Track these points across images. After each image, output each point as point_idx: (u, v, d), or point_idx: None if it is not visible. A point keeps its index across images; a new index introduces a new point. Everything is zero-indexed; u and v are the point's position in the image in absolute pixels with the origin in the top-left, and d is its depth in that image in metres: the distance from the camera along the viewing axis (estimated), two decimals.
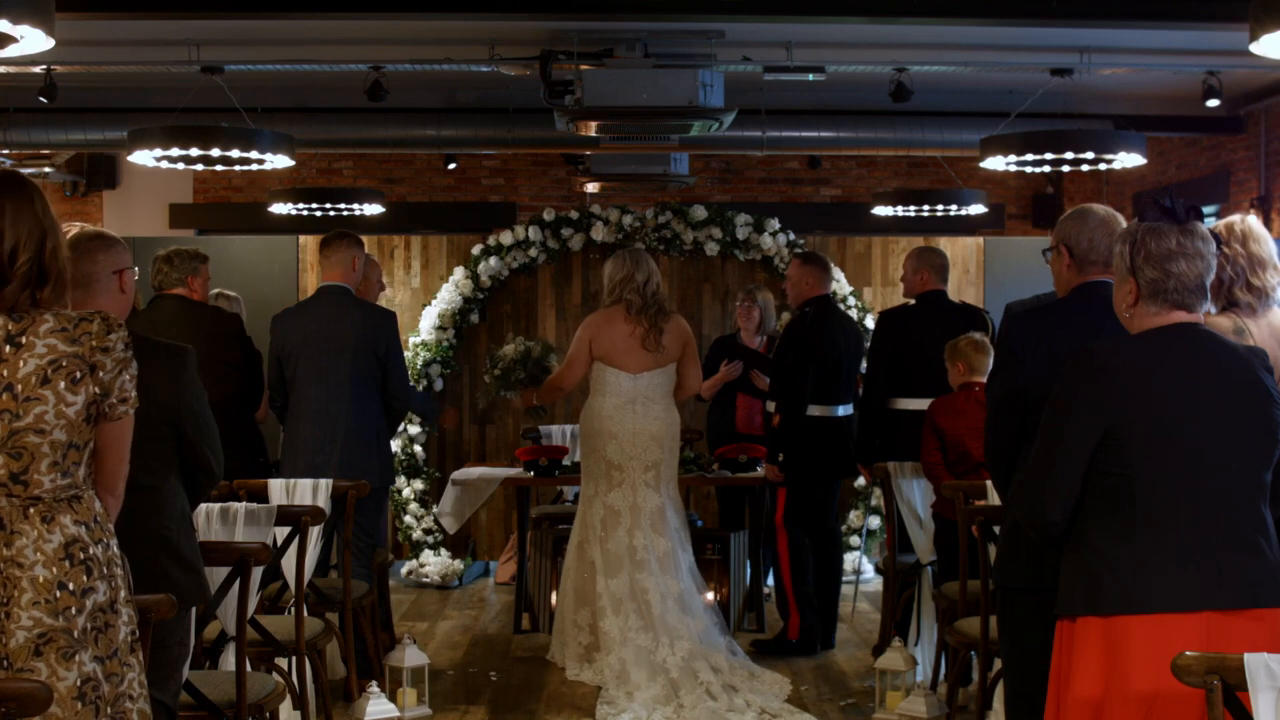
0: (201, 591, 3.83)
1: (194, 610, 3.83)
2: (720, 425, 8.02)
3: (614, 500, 6.48)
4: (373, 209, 9.80)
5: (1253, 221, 3.86)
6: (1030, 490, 3.04)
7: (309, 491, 5.37)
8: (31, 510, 2.78)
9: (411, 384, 7.09)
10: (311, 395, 6.13)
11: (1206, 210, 9.58)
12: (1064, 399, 2.99)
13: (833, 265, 9.03)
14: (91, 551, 2.81)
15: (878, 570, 7.98)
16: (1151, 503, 2.90)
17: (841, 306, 8.95)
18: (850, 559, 8.87)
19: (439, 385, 8.93)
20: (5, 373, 2.76)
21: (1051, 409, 3.03)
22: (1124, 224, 3.73)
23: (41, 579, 2.74)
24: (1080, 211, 3.75)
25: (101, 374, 2.82)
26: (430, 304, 9.01)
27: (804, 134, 9.28)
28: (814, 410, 6.80)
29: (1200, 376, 2.95)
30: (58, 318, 2.81)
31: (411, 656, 5.71)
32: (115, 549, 2.90)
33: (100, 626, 2.79)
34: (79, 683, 2.72)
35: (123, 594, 2.88)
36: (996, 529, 4.84)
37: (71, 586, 2.76)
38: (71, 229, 4.19)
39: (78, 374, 2.79)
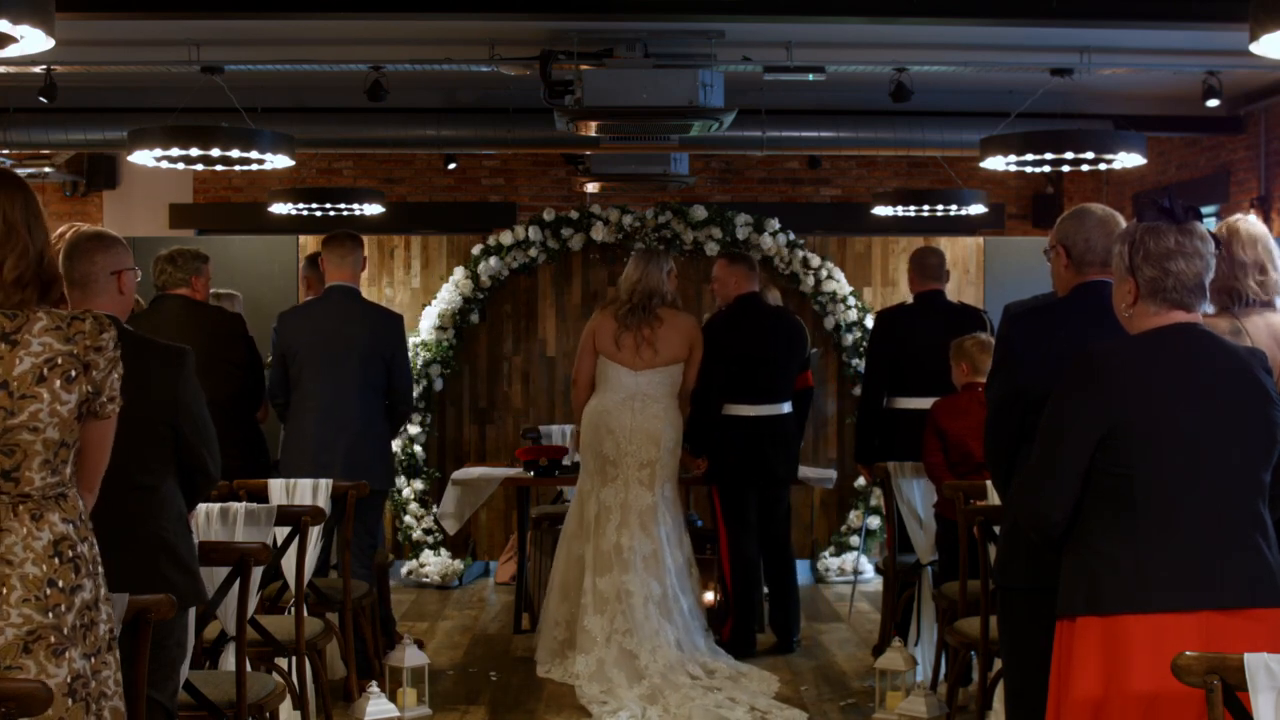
0: (198, 593, 3.83)
1: (192, 611, 3.83)
2: None
3: (606, 496, 6.49)
4: (373, 209, 9.80)
5: (1249, 223, 3.86)
6: (1030, 491, 3.05)
7: (309, 491, 5.37)
8: (20, 507, 2.78)
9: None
10: (317, 394, 6.13)
11: (1206, 210, 9.58)
12: (1064, 400, 3.00)
13: (833, 265, 9.08)
14: (79, 549, 2.81)
15: (878, 570, 7.98)
16: (1151, 503, 2.91)
17: (847, 306, 8.97)
18: (850, 559, 8.87)
19: (439, 385, 8.93)
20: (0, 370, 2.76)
21: (1052, 410, 3.03)
22: (1123, 223, 3.73)
23: (31, 576, 2.74)
24: (1078, 211, 3.76)
25: (95, 373, 2.82)
26: (430, 304, 9.00)
27: (804, 134, 9.28)
28: (731, 409, 6.84)
29: (1200, 376, 2.95)
30: (50, 316, 2.81)
31: (411, 656, 5.71)
32: (97, 546, 2.90)
33: (87, 624, 2.80)
34: (69, 680, 2.72)
35: (103, 592, 2.87)
36: (997, 529, 4.84)
37: (61, 584, 2.76)
38: (70, 229, 4.20)
39: (73, 372, 2.79)
